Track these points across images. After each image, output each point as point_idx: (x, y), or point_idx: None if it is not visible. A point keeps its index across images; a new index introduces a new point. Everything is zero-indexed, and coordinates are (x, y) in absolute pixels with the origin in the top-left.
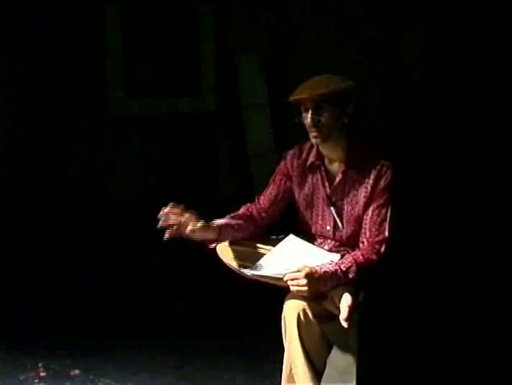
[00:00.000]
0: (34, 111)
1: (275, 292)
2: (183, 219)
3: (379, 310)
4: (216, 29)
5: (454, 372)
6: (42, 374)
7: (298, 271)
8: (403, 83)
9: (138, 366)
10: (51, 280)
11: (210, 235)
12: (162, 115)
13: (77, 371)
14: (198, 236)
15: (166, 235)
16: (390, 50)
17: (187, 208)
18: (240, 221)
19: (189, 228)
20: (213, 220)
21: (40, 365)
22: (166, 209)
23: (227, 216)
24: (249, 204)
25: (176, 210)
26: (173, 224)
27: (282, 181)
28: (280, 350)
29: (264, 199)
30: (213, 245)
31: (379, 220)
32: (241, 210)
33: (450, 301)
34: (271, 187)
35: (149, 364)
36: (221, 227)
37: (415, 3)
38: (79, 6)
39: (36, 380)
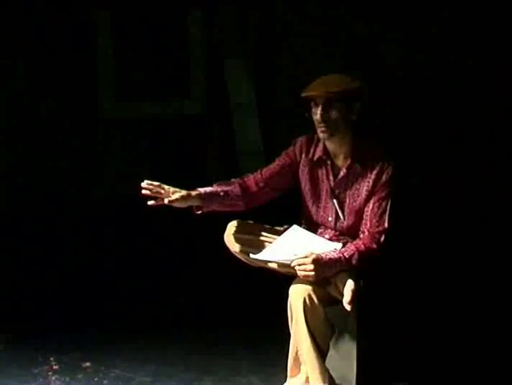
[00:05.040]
0: (29, 114)
1: (277, 284)
2: (162, 191)
3: (378, 295)
4: (205, 33)
5: (450, 354)
6: (54, 367)
7: (306, 257)
8: (388, 82)
9: (146, 357)
10: (60, 278)
11: (193, 203)
12: (153, 118)
13: (88, 364)
14: (179, 204)
15: (150, 202)
16: (375, 51)
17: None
18: (228, 188)
19: (166, 200)
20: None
21: (52, 359)
22: (144, 184)
23: (215, 184)
24: (246, 175)
25: (156, 183)
26: (155, 196)
27: (286, 162)
28: (283, 338)
29: (266, 171)
30: (200, 212)
31: (379, 212)
32: (236, 180)
33: (445, 289)
34: (276, 163)
35: (157, 355)
36: (203, 194)
37: (399, 5)
38: (72, 13)
39: (50, 373)
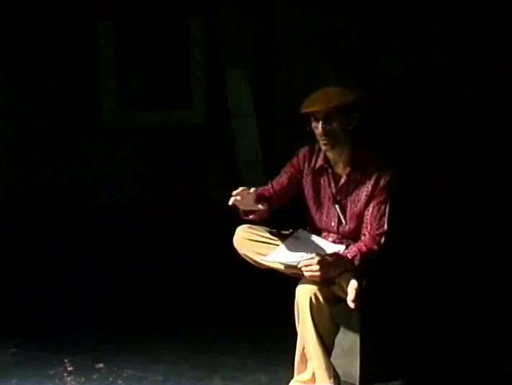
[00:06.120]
0: (32, 124)
1: (279, 287)
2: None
3: (381, 294)
4: (205, 43)
5: (450, 352)
6: (69, 368)
7: (312, 259)
8: (387, 85)
9: (153, 358)
10: (70, 282)
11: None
12: (154, 127)
13: (101, 364)
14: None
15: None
16: (372, 59)
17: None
18: (265, 197)
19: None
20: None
21: (66, 360)
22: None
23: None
24: (261, 188)
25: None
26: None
27: (293, 174)
28: (283, 338)
29: (276, 185)
30: (251, 216)
31: (379, 215)
32: (262, 190)
33: (445, 288)
34: (283, 176)
35: (163, 355)
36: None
37: (397, 11)
38: (75, 23)
39: (65, 374)
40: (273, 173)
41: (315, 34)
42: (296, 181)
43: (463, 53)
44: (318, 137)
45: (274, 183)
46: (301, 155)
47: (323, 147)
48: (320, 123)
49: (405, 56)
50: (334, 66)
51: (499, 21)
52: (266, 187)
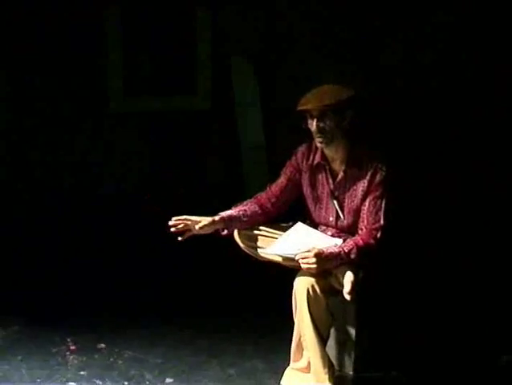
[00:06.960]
0: (38, 108)
1: (278, 278)
2: (189, 222)
3: (377, 287)
4: (212, 32)
5: (445, 347)
6: (72, 347)
7: (308, 251)
8: (388, 83)
9: (154, 342)
10: (75, 268)
11: (218, 227)
12: (159, 112)
13: (103, 345)
14: (207, 231)
15: (179, 238)
16: (375, 53)
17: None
18: (245, 207)
19: (196, 227)
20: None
21: (69, 340)
22: (172, 222)
23: (234, 207)
24: (259, 194)
25: (182, 217)
26: (183, 230)
27: (292, 173)
28: (282, 327)
29: (275, 187)
30: (225, 233)
31: (375, 210)
32: (250, 200)
33: (444, 288)
34: (282, 177)
35: (164, 340)
36: (225, 218)
37: (400, 5)
38: (82, 10)
39: (67, 352)
40: (275, 174)
41: (316, 33)
42: (296, 180)
43: (463, 53)
44: (313, 134)
45: (273, 186)
46: (299, 153)
47: (319, 145)
48: (315, 120)
49: (406, 56)
50: (334, 65)
51: (499, 21)
52: (262, 193)
